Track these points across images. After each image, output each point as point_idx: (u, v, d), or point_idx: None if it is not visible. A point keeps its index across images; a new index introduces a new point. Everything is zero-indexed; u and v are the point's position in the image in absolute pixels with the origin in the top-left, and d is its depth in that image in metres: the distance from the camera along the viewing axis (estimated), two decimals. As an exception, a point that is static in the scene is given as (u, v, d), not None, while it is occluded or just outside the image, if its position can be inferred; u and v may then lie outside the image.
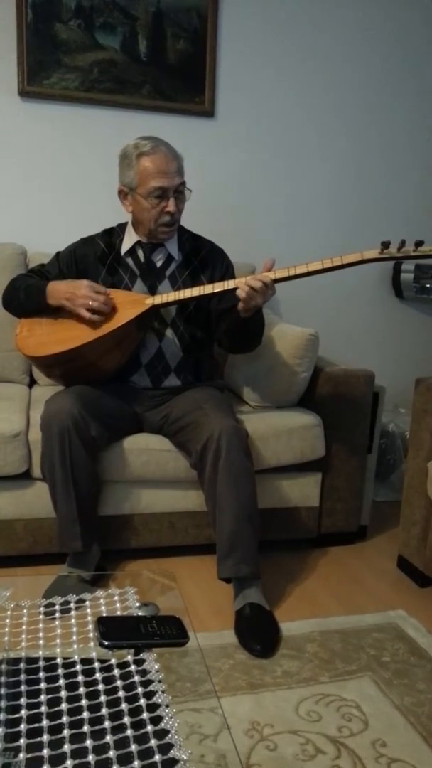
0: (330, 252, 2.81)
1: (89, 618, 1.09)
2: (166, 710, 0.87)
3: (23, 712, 0.86)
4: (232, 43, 2.57)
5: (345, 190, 2.83)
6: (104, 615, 1.09)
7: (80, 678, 0.94)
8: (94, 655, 0.99)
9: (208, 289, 1.78)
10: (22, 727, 0.83)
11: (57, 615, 1.11)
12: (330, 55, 2.68)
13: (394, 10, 2.70)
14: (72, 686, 0.92)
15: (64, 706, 0.88)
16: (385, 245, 1.64)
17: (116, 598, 1.16)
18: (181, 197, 1.88)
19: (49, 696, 0.90)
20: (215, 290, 1.77)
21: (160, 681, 0.93)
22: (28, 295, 1.89)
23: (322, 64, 2.68)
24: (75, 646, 1.02)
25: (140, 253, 1.96)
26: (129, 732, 0.83)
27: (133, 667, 0.96)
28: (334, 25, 2.66)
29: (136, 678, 0.93)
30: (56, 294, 1.82)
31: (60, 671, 0.96)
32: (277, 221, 2.77)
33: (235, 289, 1.73)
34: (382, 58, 2.74)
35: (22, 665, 0.97)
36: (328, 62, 2.69)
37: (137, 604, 1.13)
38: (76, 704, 0.88)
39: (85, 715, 0.86)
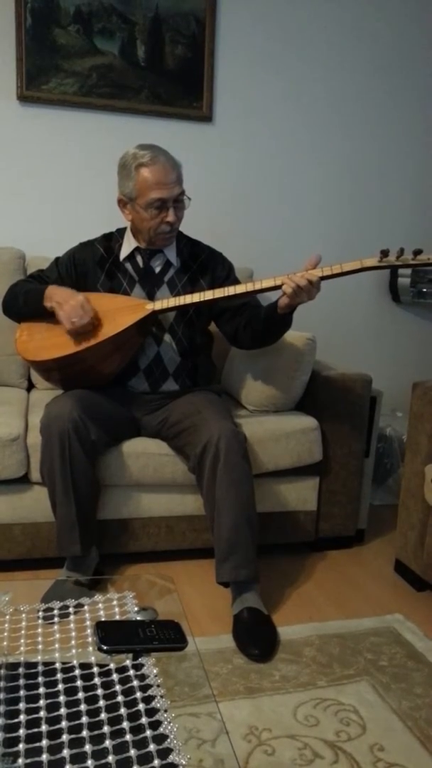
0: (328, 256, 2.83)
1: (88, 622, 1.09)
2: (165, 715, 0.87)
3: (22, 717, 0.86)
4: (230, 48, 2.58)
5: (343, 194, 2.84)
6: (103, 619, 1.10)
7: (79, 683, 0.94)
8: (92, 659, 0.99)
9: (196, 297, 1.79)
10: (21, 732, 0.83)
11: (55, 619, 1.11)
12: (328, 60, 2.69)
13: (393, 14, 2.72)
14: (71, 691, 0.92)
15: (62, 710, 0.88)
16: (384, 253, 1.65)
17: (115, 602, 1.16)
18: (181, 206, 1.88)
19: (48, 701, 0.90)
20: (257, 288, 1.77)
21: (158, 685, 0.93)
22: (27, 300, 1.89)
23: (319, 68, 2.69)
24: (74, 651, 1.02)
25: (139, 259, 1.97)
26: (128, 737, 0.83)
27: (131, 672, 0.96)
28: (331, 30, 2.67)
29: (135, 682, 0.93)
30: (52, 296, 1.83)
31: (59, 676, 0.96)
32: (275, 225, 2.78)
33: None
34: (380, 62, 2.75)
35: (20, 670, 0.97)
36: (326, 67, 2.70)
37: (136, 609, 1.13)
38: (74, 709, 0.88)
39: (84, 719, 0.86)
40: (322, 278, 1.69)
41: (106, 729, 0.84)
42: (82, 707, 0.88)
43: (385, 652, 1.65)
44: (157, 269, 1.97)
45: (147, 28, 2.47)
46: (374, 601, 1.92)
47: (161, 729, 0.84)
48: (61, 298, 1.81)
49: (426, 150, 2.89)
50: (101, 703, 0.89)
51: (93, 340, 1.79)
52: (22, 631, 1.07)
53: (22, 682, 0.94)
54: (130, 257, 1.97)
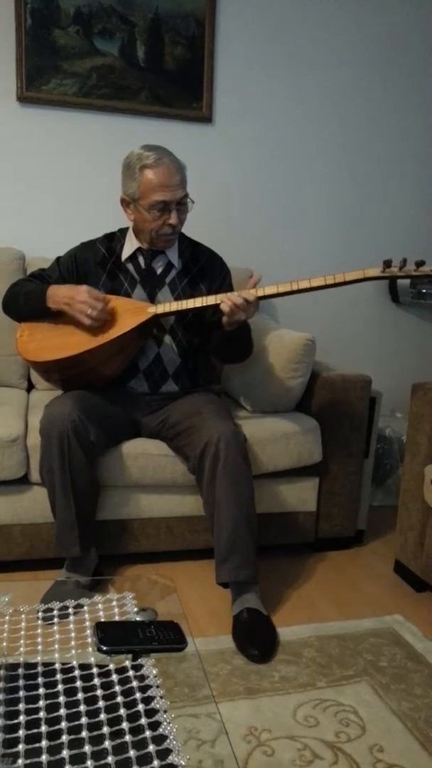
0: (328, 256, 2.84)
1: (87, 623, 1.09)
2: (164, 715, 0.87)
3: (21, 718, 0.86)
4: (230, 49, 2.58)
5: (344, 195, 2.84)
6: (102, 620, 1.10)
7: (78, 683, 0.94)
8: (92, 660, 0.99)
9: (198, 302, 1.79)
10: (21, 732, 0.83)
11: (55, 620, 1.11)
12: (328, 61, 2.70)
13: (393, 14, 2.72)
14: (70, 692, 0.92)
15: (62, 711, 0.88)
16: (387, 264, 1.64)
17: (114, 603, 1.16)
18: (183, 208, 1.87)
19: (48, 701, 0.90)
20: (206, 303, 1.78)
21: (158, 686, 0.93)
22: (28, 300, 1.89)
23: (319, 69, 2.69)
24: (73, 652, 1.02)
25: (141, 260, 1.96)
26: (127, 737, 0.83)
27: (131, 673, 0.96)
28: (331, 31, 2.67)
29: (135, 683, 0.94)
30: (56, 298, 1.83)
31: (58, 677, 0.96)
32: (275, 226, 2.78)
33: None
34: (381, 62, 2.76)
35: (20, 671, 0.97)
36: (326, 67, 2.70)
37: (135, 609, 1.14)
38: (74, 710, 0.88)
39: (84, 720, 0.86)
40: (263, 297, 1.71)
41: (105, 730, 0.84)
42: (82, 708, 0.88)
43: (385, 653, 1.65)
44: (159, 270, 1.97)
45: (147, 29, 2.47)
46: (374, 602, 1.92)
47: (161, 730, 0.84)
48: (66, 297, 1.80)
49: (428, 150, 2.89)
50: (101, 703, 0.89)
51: (95, 342, 1.79)
52: (22, 632, 1.07)
53: (21, 682, 0.94)
54: (132, 257, 1.97)
